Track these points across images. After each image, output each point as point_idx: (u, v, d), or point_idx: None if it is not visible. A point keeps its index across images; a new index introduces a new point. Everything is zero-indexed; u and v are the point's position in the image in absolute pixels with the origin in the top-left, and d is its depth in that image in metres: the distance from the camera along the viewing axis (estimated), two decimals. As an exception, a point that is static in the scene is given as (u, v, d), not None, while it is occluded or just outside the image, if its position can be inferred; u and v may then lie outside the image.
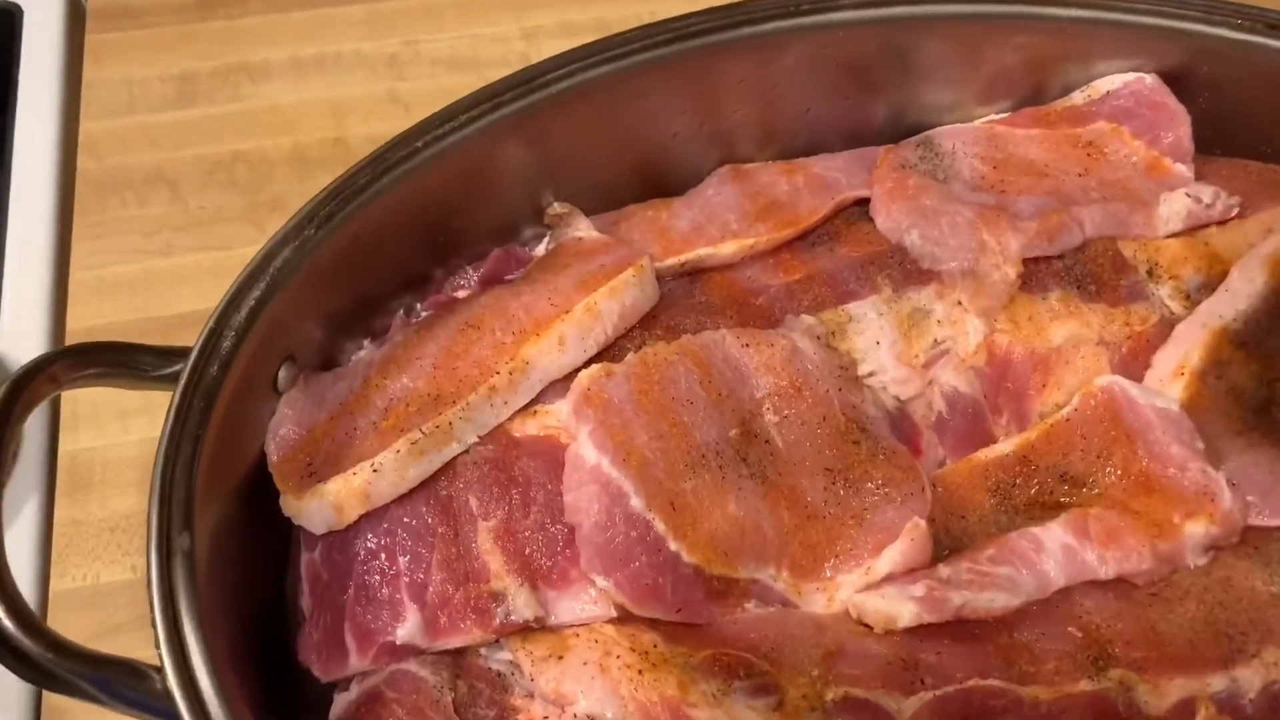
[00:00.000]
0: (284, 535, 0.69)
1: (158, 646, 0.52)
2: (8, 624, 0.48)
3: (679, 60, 0.76)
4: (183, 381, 0.59)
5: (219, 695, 0.51)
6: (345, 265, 0.69)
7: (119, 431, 0.80)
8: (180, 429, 0.58)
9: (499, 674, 0.63)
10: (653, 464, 0.64)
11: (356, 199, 0.68)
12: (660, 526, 0.63)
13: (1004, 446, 0.70)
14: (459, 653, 0.63)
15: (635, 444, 0.65)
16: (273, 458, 0.66)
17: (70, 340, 0.84)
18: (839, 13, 0.78)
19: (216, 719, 0.51)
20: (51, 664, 0.49)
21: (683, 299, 0.75)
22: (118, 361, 0.58)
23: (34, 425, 0.80)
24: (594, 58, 0.74)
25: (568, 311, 0.70)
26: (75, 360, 0.57)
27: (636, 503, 0.63)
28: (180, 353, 0.60)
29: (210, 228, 0.90)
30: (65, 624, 0.73)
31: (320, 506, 0.64)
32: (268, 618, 0.67)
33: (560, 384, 0.69)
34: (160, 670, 0.51)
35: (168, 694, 0.51)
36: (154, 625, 0.52)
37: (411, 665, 0.62)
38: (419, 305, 0.78)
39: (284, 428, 0.67)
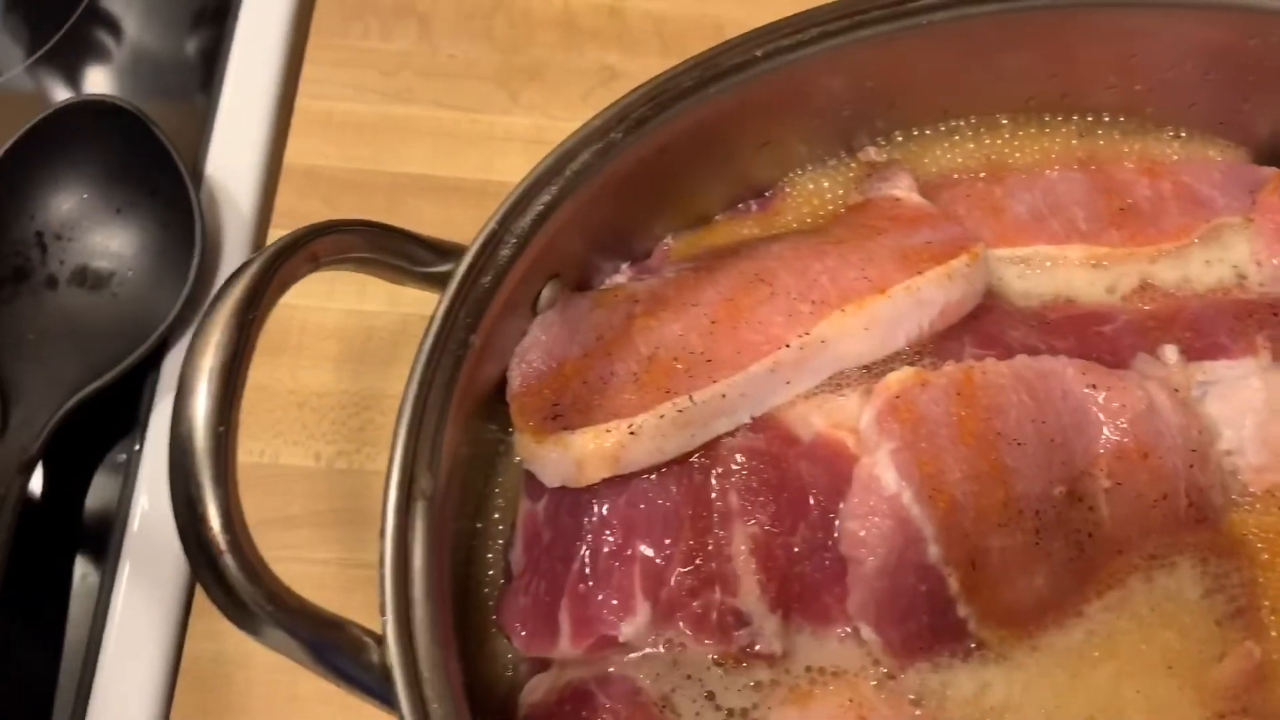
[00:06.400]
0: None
1: (383, 613, 0.43)
2: (229, 561, 0.39)
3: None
4: (452, 287, 0.49)
5: (443, 683, 0.43)
6: (639, 179, 0.58)
7: (324, 294, 0.70)
8: (442, 347, 0.48)
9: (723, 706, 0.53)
10: (962, 509, 0.53)
11: (676, 105, 0.56)
12: (954, 586, 0.52)
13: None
14: (676, 662, 0.54)
15: (946, 480, 0.53)
16: (514, 387, 0.56)
17: (286, 177, 0.74)
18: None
19: (434, 712, 0.42)
20: (267, 614, 0.40)
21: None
22: (390, 248, 0.48)
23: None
24: (980, -8, 0.60)
25: (883, 291, 0.58)
26: (342, 237, 0.46)
27: (934, 552, 0.52)
28: (454, 251, 0.50)
29: (458, 82, 0.78)
30: (237, 501, 0.65)
31: (561, 458, 0.54)
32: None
33: (855, 376, 0.58)
34: (382, 643, 0.43)
35: (385, 672, 0.42)
36: (382, 588, 0.43)
37: (629, 669, 0.53)
38: (690, 233, 0.66)
39: (533, 354, 0.57)
